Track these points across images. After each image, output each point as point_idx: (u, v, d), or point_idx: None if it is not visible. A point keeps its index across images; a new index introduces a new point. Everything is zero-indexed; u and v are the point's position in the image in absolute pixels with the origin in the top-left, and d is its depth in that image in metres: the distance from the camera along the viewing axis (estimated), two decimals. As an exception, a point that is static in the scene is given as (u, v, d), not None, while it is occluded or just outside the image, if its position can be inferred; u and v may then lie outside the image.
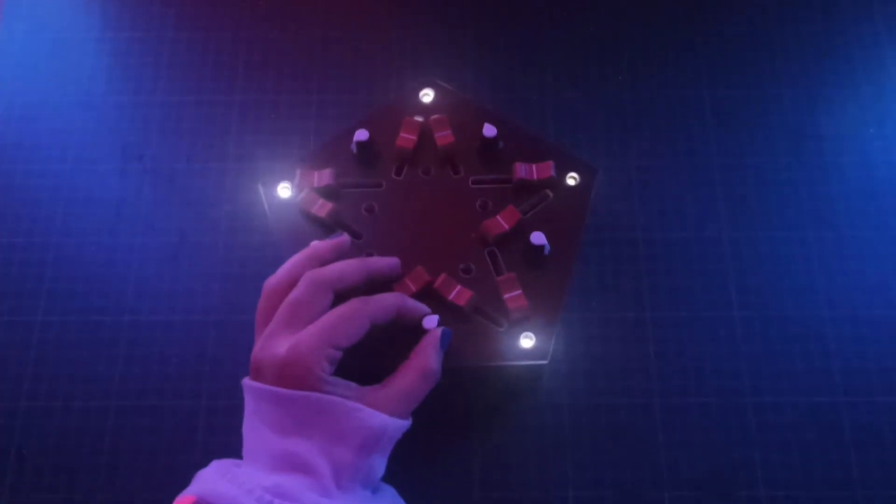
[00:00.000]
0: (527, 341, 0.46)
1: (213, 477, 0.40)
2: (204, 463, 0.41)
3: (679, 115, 0.59)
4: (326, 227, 0.49)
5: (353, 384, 0.41)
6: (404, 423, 0.42)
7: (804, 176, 0.57)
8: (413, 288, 0.46)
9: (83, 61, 0.61)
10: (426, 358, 0.43)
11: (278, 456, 0.39)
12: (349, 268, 0.44)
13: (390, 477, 0.43)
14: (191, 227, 0.56)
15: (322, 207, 0.48)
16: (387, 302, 0.43)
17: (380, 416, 0.40)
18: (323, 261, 0.45)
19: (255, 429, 0.41)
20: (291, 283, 0.43)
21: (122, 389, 0.52)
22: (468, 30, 0.62)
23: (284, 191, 0.50)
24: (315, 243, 0.46)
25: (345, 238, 0.46)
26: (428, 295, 0.46)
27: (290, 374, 0.40)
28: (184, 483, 0.40)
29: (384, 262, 0.46)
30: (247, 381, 0.42)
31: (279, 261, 0.45)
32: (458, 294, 0.46)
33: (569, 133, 0.58)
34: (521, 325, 0.46)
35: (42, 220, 0.57)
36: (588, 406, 0.51)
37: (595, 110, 0.59)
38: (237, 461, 0.41)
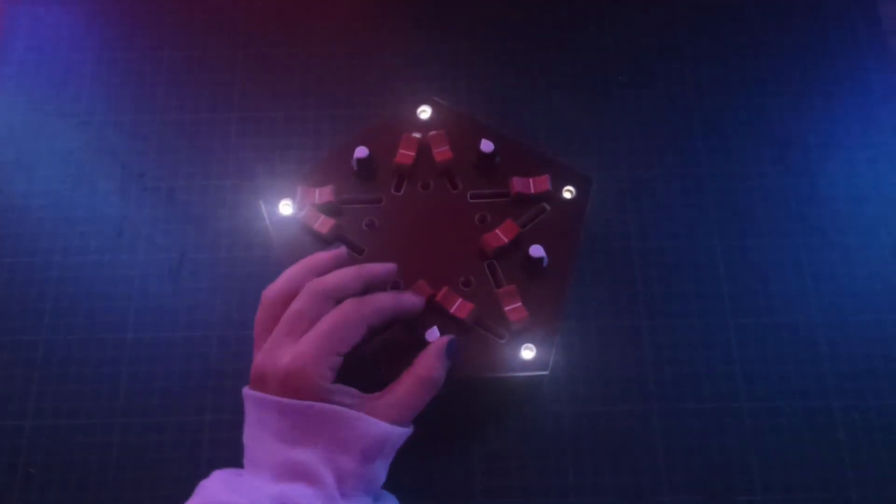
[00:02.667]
0: (528, 352, 0.47)
1: (216, 487, 0.40)
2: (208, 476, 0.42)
3: (669, 126, 0.60)
4: (328, 243, 0.49)
5: (355, 391, 0.42)
6: (405, 431, 0.42)
7: (792, 183, 0.58)
8: (415, 302, 0.47)
9: (82, 81, 0.62)
10: (427, 366, 0.43)
11: (282, 465, 0.40)
12: (348, 276, 0.44)
13: (392, 484, 0.44)
14: (191, 244, 0.57)
15: (324, 224, 0.49)
16: (381, 302, 0.44)
17: (381, 424, 0.41)
18: (321, 271, 0.45)
19: (257, 438, 0.41)
20: (290, 293, 0.44)
21: (126, 406, 0.53)
22: (462, 46, 0.63)
23: (286, 208, 0.51)
24: (314, 254, 0.47)
25: (342, 249, 0.47)
26: (430, 308, 0.47)
27: (293, 384, 0.40)
28: (189, 497, 0.40)
29: (381, 268, 0.46)
30: (248, 391, 0.42)
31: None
32: (460, 307, 0.47)
33: (562, 145, 0.59)
34: (522, 336, 0.47)
35: (44, 240, 0.57)
36: (587, 413, 0.52)
37: (587, 123, 0.60)
38: (239, 470, 0.42)
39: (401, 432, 0.42)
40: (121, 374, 0.54)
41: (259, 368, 0.42)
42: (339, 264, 0.46)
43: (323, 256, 0.46)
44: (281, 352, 0.42)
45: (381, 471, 0.42)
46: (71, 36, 0.64)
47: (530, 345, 0.47)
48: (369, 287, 0.45)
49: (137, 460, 0.52)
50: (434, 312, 0.47)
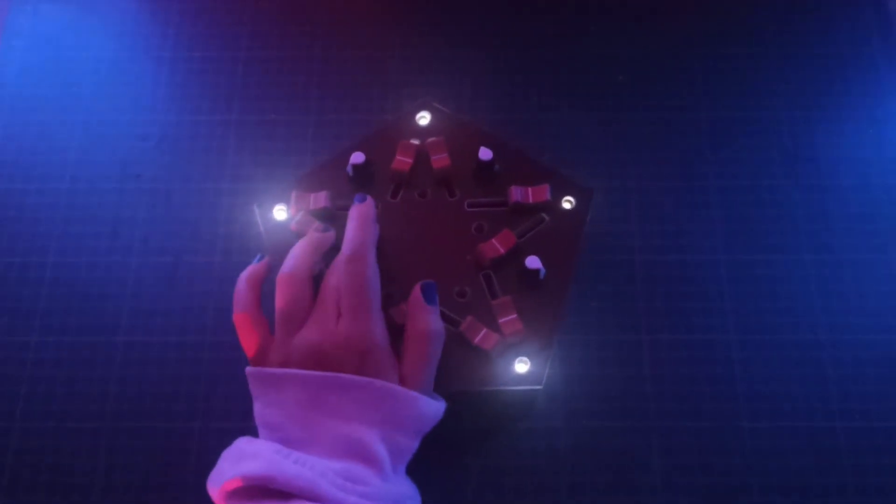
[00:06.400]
0: (521, 366, 0.46)
1: (271, 456, 0.38)
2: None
3: (676, 136, 0.59)
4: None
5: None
6: (444, 405, 0.44)
7: (801, 198, 0.56)
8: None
9: (81, 80, 0.62)
10: (422, 321, 0.43)
11: (339, 441, 0.40)
12: (358, 244, 0.45)
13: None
14: (187, 248, 0.56)
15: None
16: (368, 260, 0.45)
17: (434, 403, 0.43)
18: (325, 248, 0.47)
19: (308, 419, 0.40)
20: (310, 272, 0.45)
21: (116, 410, 0.52)
22: (464, 51, 0.62)
23: (280, 213, 0.50)
24: (310, 236, 0.47)
25: (321, 225, 0.48)
26: (451, 338, 0.46)
27: (373, 360, 0.42)
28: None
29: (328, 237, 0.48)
30: (304, 373, 0.41)
31: (273, 282, 0.45)
32: (484, 337, 0.46)
33: (565, 154, 0.58)
34: (516, 349, 0.46)
35: (38, 240, 0.57)
36: (584, 429, 0.51)
37: (592, 131, 0.59)
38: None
39: (445, 407, 0.44)
40: (111, 377, 0.53)
41: (320, 346, 0.42)
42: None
43: (323, 236, 0.47)
44: (340, 328, 0.42)
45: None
46: (72, 34, 0.63)
47: (524, 358, 0.46)
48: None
49: (126, 466, 0.51)
50: (453, 342, 0.46)
